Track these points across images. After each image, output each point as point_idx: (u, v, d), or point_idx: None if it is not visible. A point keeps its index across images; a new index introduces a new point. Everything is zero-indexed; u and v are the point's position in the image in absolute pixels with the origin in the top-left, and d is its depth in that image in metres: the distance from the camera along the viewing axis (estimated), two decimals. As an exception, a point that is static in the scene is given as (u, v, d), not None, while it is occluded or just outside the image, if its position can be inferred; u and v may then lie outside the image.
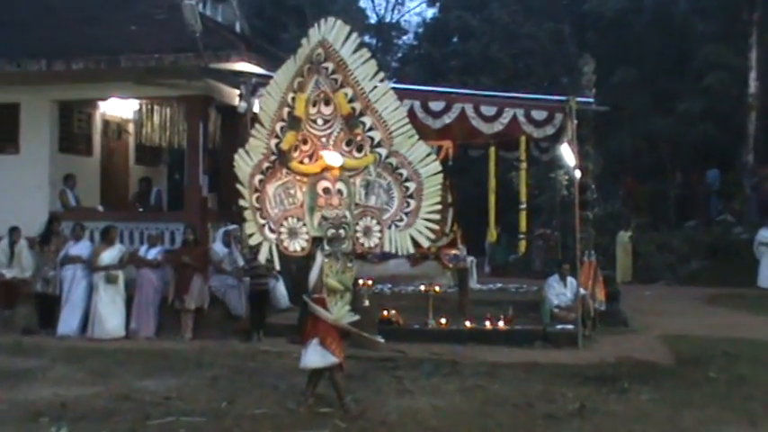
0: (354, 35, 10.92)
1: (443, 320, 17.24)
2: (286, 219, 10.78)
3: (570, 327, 16.66)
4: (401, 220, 10.86)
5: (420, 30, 51.70)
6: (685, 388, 12.47)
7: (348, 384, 12.28)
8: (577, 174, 17.00)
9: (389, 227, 10.84)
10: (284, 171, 10.84)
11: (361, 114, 10.83)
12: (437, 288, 17.71)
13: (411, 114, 16.86)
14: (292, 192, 10.86)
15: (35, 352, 15.55)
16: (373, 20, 53.64)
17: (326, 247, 10.69)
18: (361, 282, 17.10)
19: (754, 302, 22.45)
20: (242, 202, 10.91)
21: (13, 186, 19.73)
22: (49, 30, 20.31)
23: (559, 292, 17.83)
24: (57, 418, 10.41)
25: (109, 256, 17.88)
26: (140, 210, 20.88)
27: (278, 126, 10.81)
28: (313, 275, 10.75)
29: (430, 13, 50.94)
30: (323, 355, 10.70)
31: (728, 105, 33.25)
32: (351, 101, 10.81)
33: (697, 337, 17.10)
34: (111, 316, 17.59)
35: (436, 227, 11.26)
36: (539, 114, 16.94)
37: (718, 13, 34.49)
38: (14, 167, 20.12)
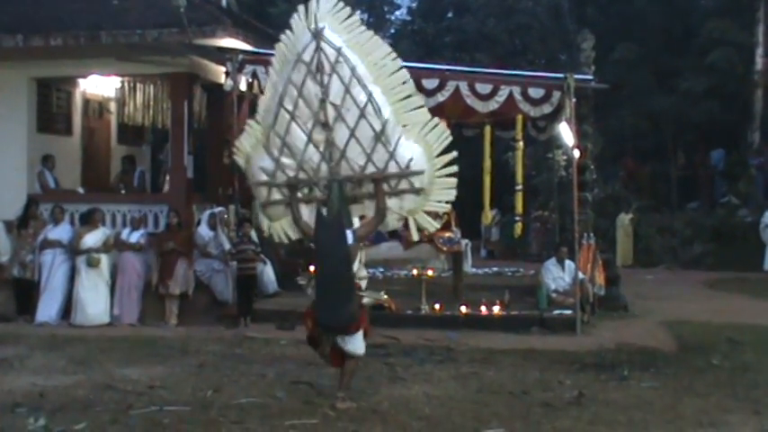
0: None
1: (437, 306, 17.29)
2: None
3: (568, 312, 16.72)
4: None
5: (414, 4, 51.58)
6: (687, 375, 12.53)
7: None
8: (576, 154, 17.03)
9: None
10: None
11: None
12: (431, 272, 17.73)
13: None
14: None
15: (12, 340, 15.54)
16: (366, -6, 53.61)
17: None
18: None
19: (760, 287, 22.51)
20: None
21: (-10, 168, 19.71)
22: (26, 3, 20.26)
23: (557, 276, 17.90)
24: (35, 409, 10.37)
25: (92, 239, 17.86)
26: (122, 191, 20.84)
27: None
28: (356, 262, 10.75)
29: (424, -14, 50.90)
30: (363, 342, 10.76)
31: (734, 83, 33.23)
32: None
33: (700, 322, 17.17)
34: (93, 302, 17.60)
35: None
36: (536, 92, 16.97)
37: (722, -14, 34.51)
38: (-10, 148, 20.08)
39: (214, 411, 10.35)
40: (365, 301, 10.79)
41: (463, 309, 17.17)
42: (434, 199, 11.07)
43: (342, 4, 11.11)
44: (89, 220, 18.08)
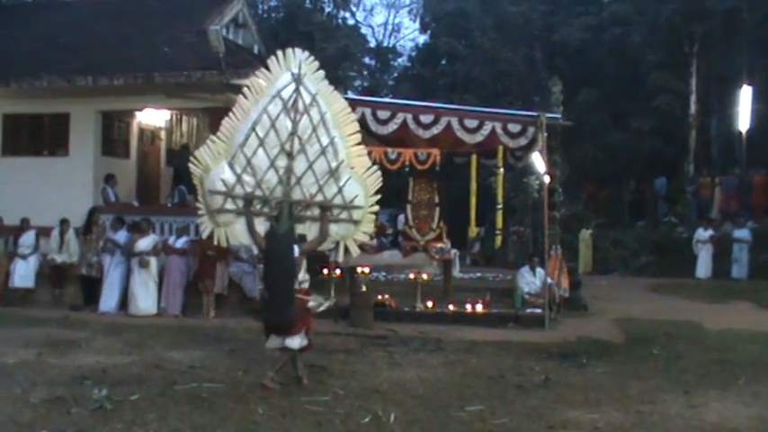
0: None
1: (430, 304, 17.28)
2: None
3: (538, 311, 16.71)
4: None
5: (413, 53, 51.44)
6: (633, 362, 12.58)
7: (347, 358, 12.41)
8: (546, 179, 17.02)
9: None
10: None
11: None
12: (425, 276, 17.73)
13: (404, 126, 16.96)
14: None
15: (80, 326, 15.63)
16: (373, 44, 53.58)
17: None
18: (359, 270, 17.13)
19: (692, 291, 22.53)
20: None
21: (64, 184, 19.76)
22: (95, 51, 20.35)
23: (530, 280, 17.86)
24: (98, 382, 10.49)
25: (143, 243, 17.96)
26: (169, 205, 20.82)
27: None
28: (301, 271, 10.79)
29: (422, 39, 50.79)
30: (304, 339, 10.78)
31: (673, 123, 33.43)
32: None
33: (644, 319, 17.15)
34: (143, 296, 17.72)
35: None
36: (514, 127, 16.98)
37: (664, 45, 34.62)
38: (64, 168, 20.15)
39: (243, 388, 10.41)
40: (311, 305, 10.81)
41: (451, 307, 17.18)
42: (362, 230, 11.36)
43: (313, 57, 11.40)
44: (140, 229, 18.15)
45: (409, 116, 17.08)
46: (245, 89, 11.31)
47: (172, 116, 22.34)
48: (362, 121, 17.37)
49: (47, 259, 18.95)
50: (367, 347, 13.60)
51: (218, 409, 9.29)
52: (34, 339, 13.89)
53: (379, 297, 17.40)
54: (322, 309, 11.17)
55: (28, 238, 19.02)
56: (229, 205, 10.97)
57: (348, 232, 11.25)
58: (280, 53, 11.24)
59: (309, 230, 11.05)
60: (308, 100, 11.01)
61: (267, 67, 11.30)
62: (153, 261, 17.92)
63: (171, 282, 17.91)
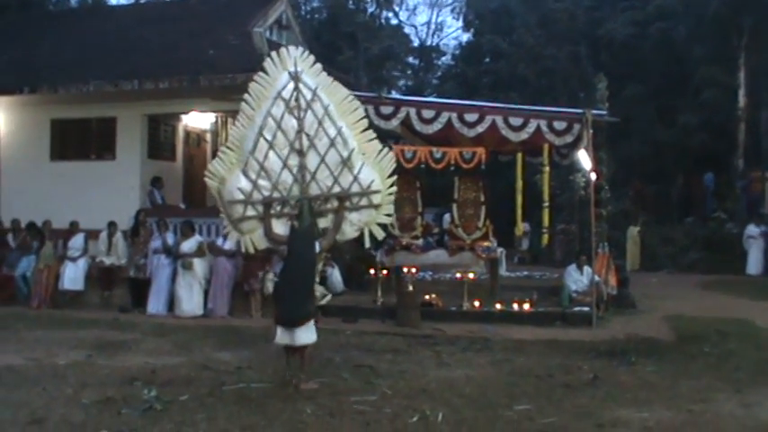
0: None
1: (477, 303, 17.23)
2: None
3: (586, 309, 16.61)
4: None
5: (457, 52, 51.27)
6: (683, 361, 12.45)
7: (394, 357, 12.41)
8: (593, 176, 16.92)
9: None
10: None
11: None
12: (471, 275, 17.69)
13: (449, 125, 16.96)
14: None
15: (129, 327, 15.78)
16: (416, 43, 53.59)
17: None
18: (405, 270, 17.14)
19: (743, 287, 22.30)
20: None
21: (111, 187, 20.04)
22: (141, 55, 20.57)
23: (577, 279, 17.80)
24: (148, 383, 10.57)
25: (187, 245, 18.09)
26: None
27: None
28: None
29: (465, 37, 50.59)
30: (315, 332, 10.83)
31: (721, 118, 33.11)
32: None
33: (694, 317, 16.97)
34: (187, 298, 17.84)
35: None
36: (559, 125, 16.90)
37: (712, 38, 34.26)
38: (112, 172, 20.43)
39: (291, 389, 10.39)
40: (317, 294, 10.84)
41: (498, 306, 17.13)
42: (383, 213, 11.27)
43: (308, 52, 11.44)
44: (183, 232, 18.34)
45: (454, 115, 17.07)
46: (246, 96, 11.28)
47: (217, 119, 22.49)
48: (407, 121, 17.43)
49: (95, 262, 19.20)
50: (414, 347, 13.61)
51: (267, 410, 9.33)
52: (84, 341, 14.06)
53: (426, 297, 17.40)
54: (325, 301, 11.27)
55: (77, 241, 19.24)
56: (250, 212, 11.01)
57: (371, 218, 11.17)
58: (274, 54, 11.32)
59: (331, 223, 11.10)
60: (308, 96, 10.98)
61: (266, 71, 11.32)
62: (197, 263, 18.03)
63: (218, 283, 18.00)
